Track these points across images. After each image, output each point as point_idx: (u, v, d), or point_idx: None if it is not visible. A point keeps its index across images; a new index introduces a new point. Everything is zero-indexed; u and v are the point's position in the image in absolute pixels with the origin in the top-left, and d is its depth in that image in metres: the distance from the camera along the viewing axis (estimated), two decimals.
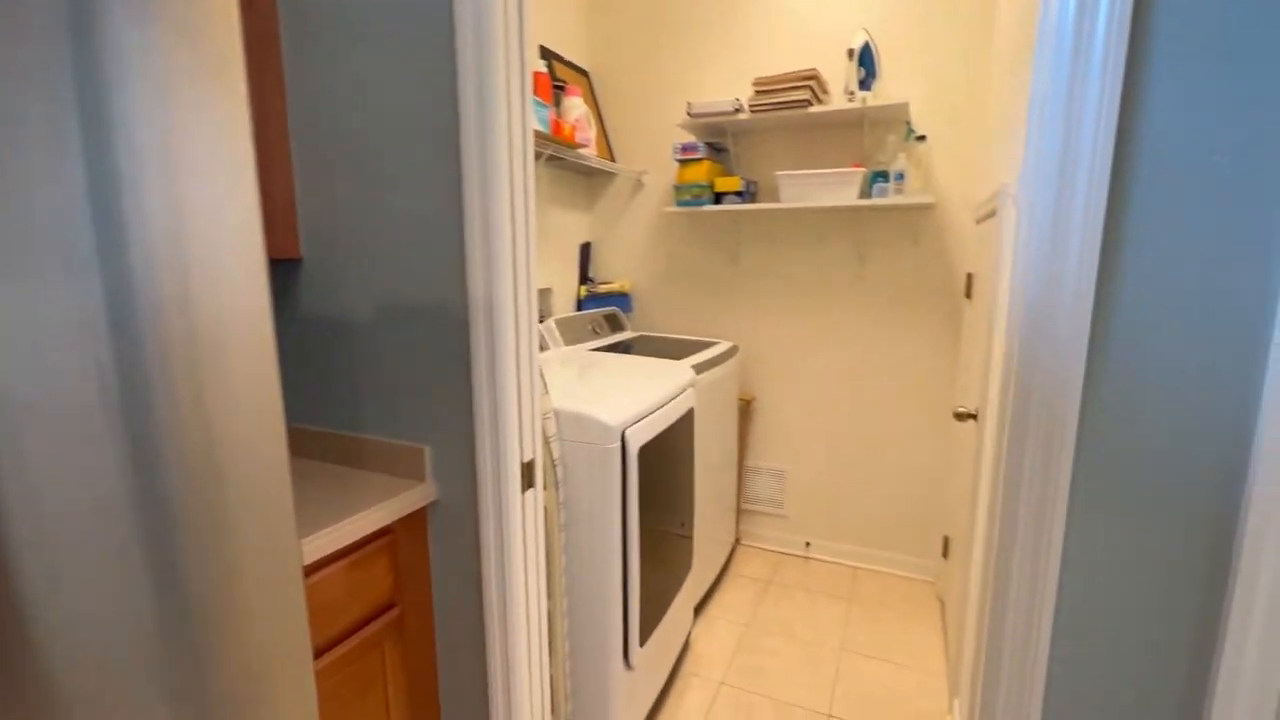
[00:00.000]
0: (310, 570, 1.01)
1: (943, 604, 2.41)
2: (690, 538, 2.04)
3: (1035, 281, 0.75)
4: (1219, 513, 0.71)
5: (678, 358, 2.17)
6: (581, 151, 2.38)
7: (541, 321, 2.36)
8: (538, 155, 2.19)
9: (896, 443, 2.57)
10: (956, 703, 1.76)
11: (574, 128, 2.30)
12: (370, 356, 1.25)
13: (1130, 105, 0.67)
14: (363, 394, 1.27)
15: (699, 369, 2.09)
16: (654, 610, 1.71)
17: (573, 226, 2.87)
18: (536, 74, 2.11)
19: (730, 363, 2.45)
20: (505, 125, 1.06)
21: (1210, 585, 0.73)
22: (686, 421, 1.89)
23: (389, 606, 1.19)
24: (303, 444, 1.34)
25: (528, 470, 1.20)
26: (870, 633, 2.24)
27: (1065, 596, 0.78)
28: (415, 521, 1.23)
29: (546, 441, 1.41)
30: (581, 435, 1.42)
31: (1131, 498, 0.74)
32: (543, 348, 2.12)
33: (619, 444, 1.42)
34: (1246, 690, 0.72)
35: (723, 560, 2.62)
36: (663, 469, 1.71)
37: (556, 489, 1.43)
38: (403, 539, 1.20)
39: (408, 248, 1.17)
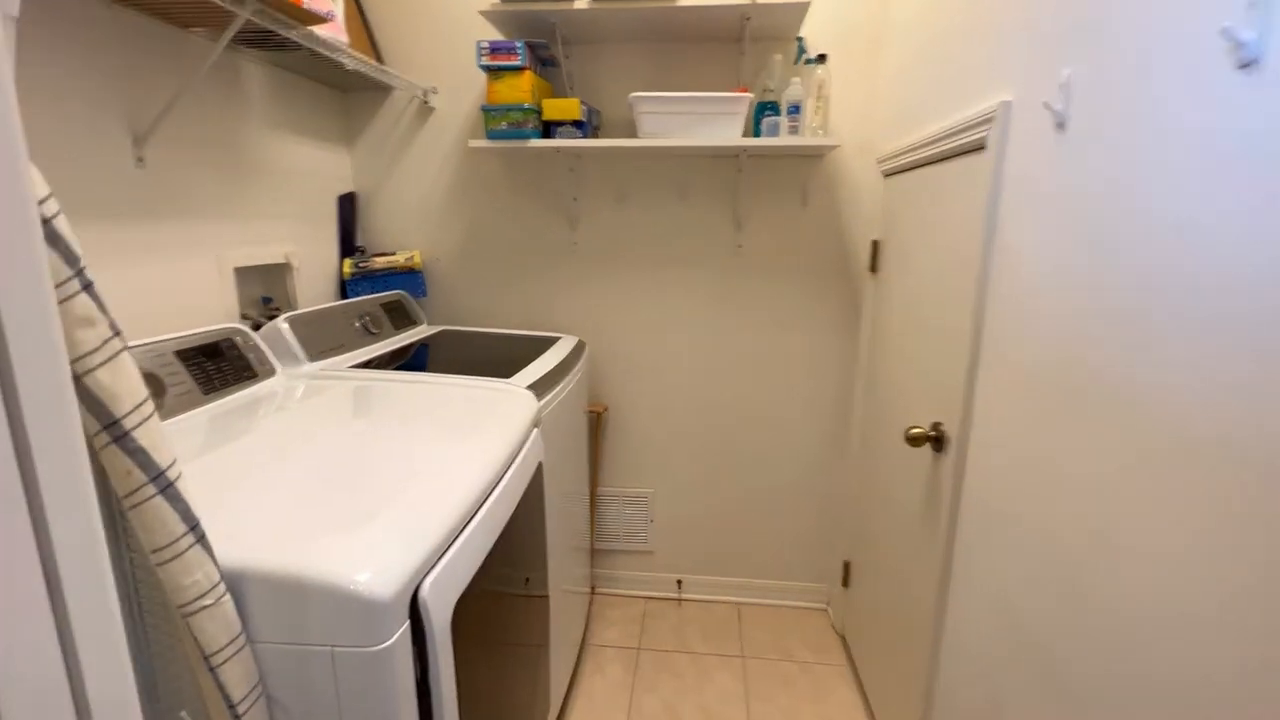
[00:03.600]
0: None
1: (844, 639, 2.01)
2: (545, 636, 1.31)
3: None
4: None
5: (505, 368, 1.39)
6: (321, 34, 1.42)
7: (270, 318, 1.39)
8: (225, 15, 1.19)
9: (783, 453, 2.09)
10: None
11: None
12: None
13: None
14: None
15: (542, 389, 1.33)
16: None
17: (324, 168, 1.87)
18: None
19: (579, 367, 1.72)
20: None
21: None
22: (535, 488, 1.13)
23: None
24: None
25: None
26: (778, 702, 1.74)
27: None
28: None
29: (207, 664, 0.56)
30: (310, 631, 0.60)
31: None
32: (254, 374, 1.18)
33: (405, 626, 0.63)
34: None
35: (580, 628, 1.94)
36: (498, 611, 0.94)
37: None
38: None
39: None
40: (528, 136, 1.68)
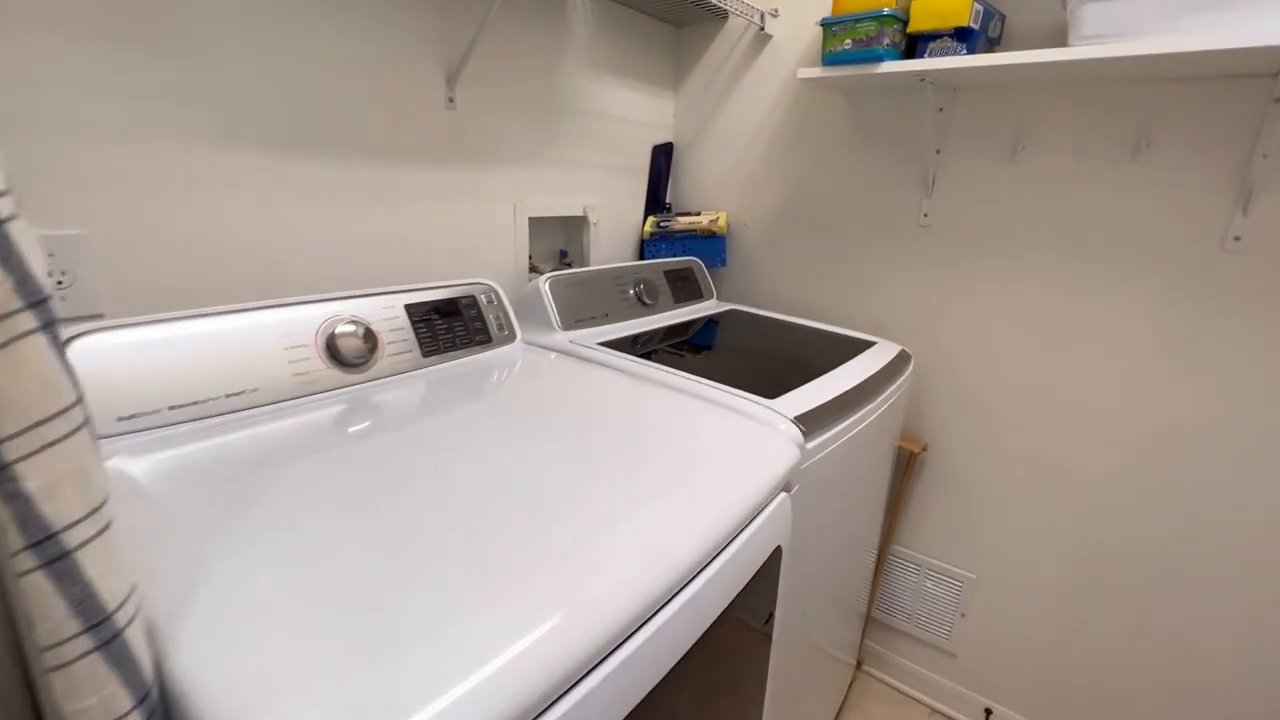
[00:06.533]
0: None
1: None
2: (760, 687, 0.95)
3: None
4: None
5: (784, 376, 1.00)
6: None
7: (537, 272, 1.29)
8: None
9: (1264, 609, 1.21)
10: None
11: None
12: None
13: None
14: None
15: (816, 423, 0.91)
16: None
17: (643, 114, 1.71)
18: None
19: (895, 389, 1.21)
20: None
21: None
22: (764, 577, 0.75)
23: None
24: None
25: None
26: None
27: None
28: None
29: None
30: None
31: None
32: (488, 339, 1.05)
33: None
34: None
35: (831, 709, 1.49)
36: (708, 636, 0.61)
37: None
38: None
39: None
40: (878, 58, 1.19)
